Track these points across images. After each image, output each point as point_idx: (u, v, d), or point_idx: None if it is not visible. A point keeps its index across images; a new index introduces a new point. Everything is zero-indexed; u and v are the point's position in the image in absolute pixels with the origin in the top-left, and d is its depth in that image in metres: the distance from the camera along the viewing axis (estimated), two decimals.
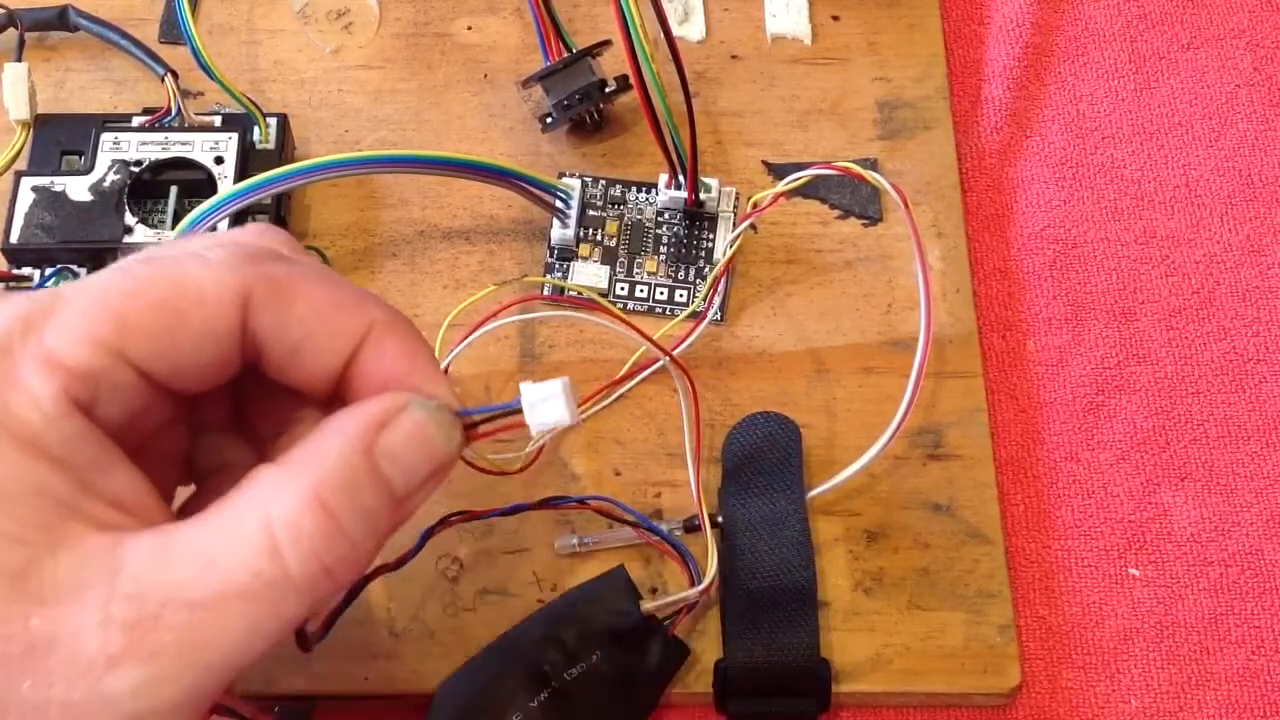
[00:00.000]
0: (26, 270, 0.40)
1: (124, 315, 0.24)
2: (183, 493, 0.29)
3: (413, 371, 0.27)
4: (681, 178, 0.42)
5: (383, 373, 0.27)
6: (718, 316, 0.42)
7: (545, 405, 0.27)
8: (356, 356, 0.27)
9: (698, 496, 0.38)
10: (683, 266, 0.43)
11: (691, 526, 0.38)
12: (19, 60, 0.43)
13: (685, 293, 0.43)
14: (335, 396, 0.27)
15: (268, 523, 0.24)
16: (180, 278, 0.25)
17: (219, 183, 0.41)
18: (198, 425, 0.29)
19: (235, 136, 0.42)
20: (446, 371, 0.39)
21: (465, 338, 0.40)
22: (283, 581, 0.24)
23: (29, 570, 0.23)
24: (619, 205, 0.44)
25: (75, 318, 0.24)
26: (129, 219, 0.40)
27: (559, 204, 0.42)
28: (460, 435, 0.27)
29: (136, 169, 0.41)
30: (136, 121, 0.43)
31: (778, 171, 0.45)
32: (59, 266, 0.40)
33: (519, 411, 0.27)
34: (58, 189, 0.41)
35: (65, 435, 0.24)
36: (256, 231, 0.29)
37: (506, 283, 0.43)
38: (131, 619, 0.23)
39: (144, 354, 0.25)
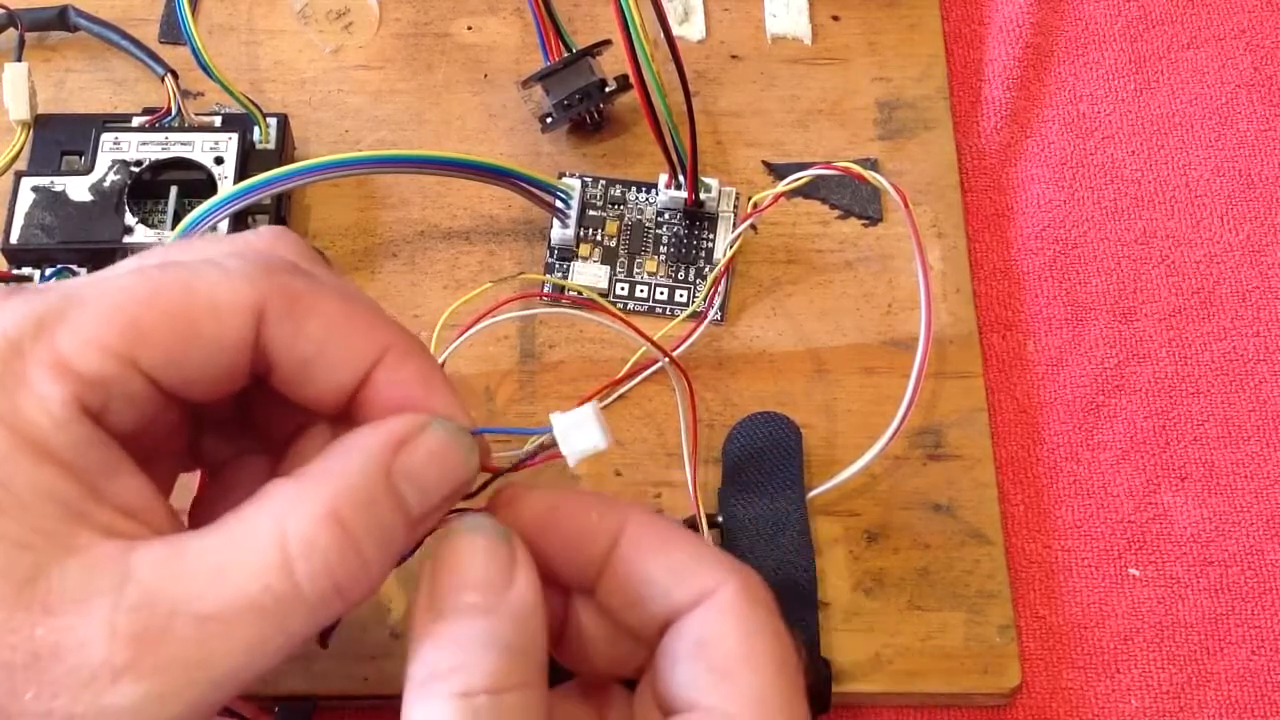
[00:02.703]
0: (26, 270, 0.40)
1: (137, 322, 0.24)
2: (182, 488, 0.29)
3: (430, 395, 0.27)
4: (681, 178, 0.42)
5: (398, 396, 0.26)
6: (718, 316, 0.42)
7: (579, 432, 0.27)
8: (370, 378, 0.26)
9: (695, 497, 0.38)
10: (683, 266, 0.43)
11: (691, 527, 0.38)
12: (19, 60, 0.43)
13: (685, 293, 0.43)
14: (344, 415, 0.27)
15: (282, 536, 0.24)
16: (195, 286, 0.25)
17: (219, 183, 0.41)
18: (204, 422, 0.29)
19: (235, 136, 0.42)
20: (443, 366, 0.39)
21: (460, 335, 0.40)
22: (293, 597, 0.23)
23: (36, 577, 0.23)
24: (619, 205, 0.44)
25: (88, 322, 0.24)
26: (129, 219, 0.40)
27: (559, 204, 0.42)
28: (478, 458, 0.27)
29: (136, 169, 0.41)
30: (136, 121, 0.43)
31: (778, 171, 0.45)
32: (59, 266, 0.40)
33: (553, 444, 0.27)
34: (58, 189, 0.41)
35: (74, 440, 0.23)
36: (272, 236, 0.29)
37: (503, 280, 0.43)
38: (138, 630, 0.23)
39: (155, 362, 0.24)
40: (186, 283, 0.25)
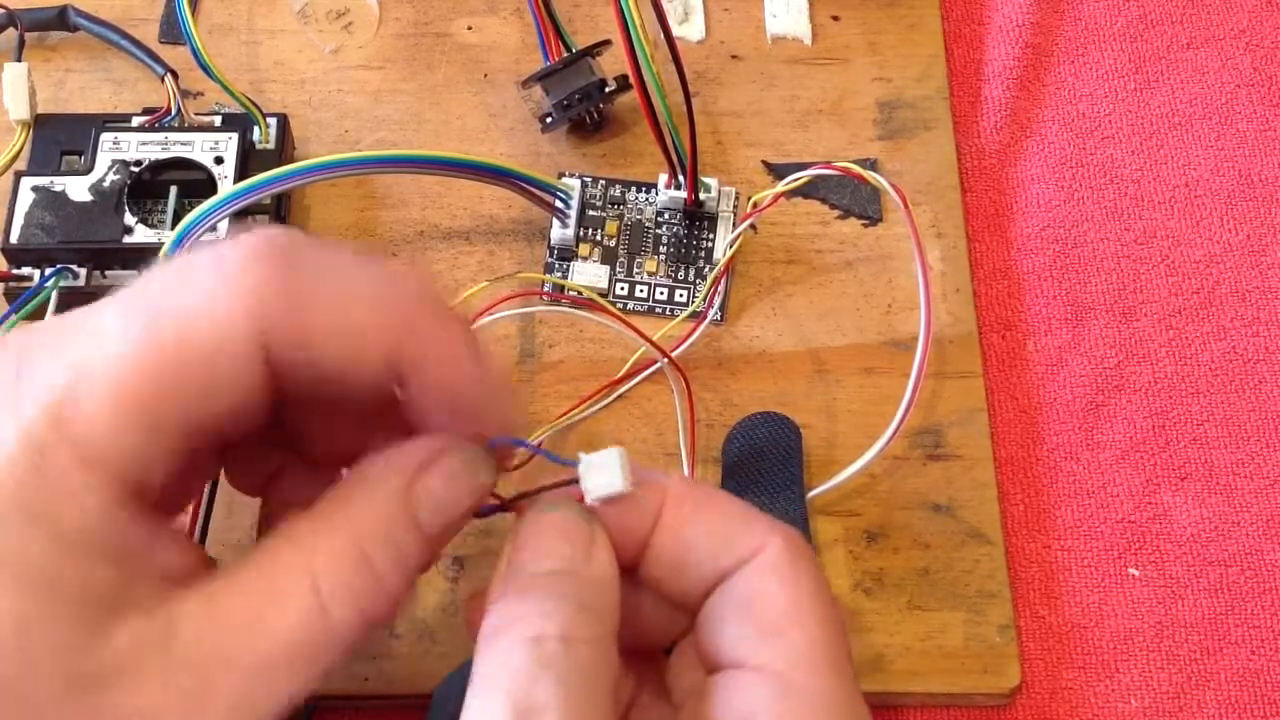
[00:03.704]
0: (26, 270, 0.40)
1: (150, 386, 0.23)
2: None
3: (461, 381, 0.26)
4: (681, 178, 0.42)
5: (427, 385, 0.26)
6: (718, 316, 0.42)
7: (600, 473, 0.27)
8: (398, 370, 0.25)
9: None
10: (683, 266, 0.43)
11: None
12: (19, 60, 0.43)
13: (685, 293, 0.43)
14: (382, 396, 0.26)
15: (314, 582, 0.24)
16: (189, 321, 0.24)
17: (219, 183, 0.41)
18: (238, 447, 0.29)
19: (235, 136, 0.42)
20: None
21: None
22: (327, 635, 0.24)
23: (85, 662, 0.23)
24: (619, 205, 0.44)
25: (105, 406, 0.23)
26: (129, 219, 0.40)
27: (559, 204, 0.42)
28: (493, 474, 0.27)
29: (136, 169, 0.41)
30: (136, 121, 0.43)
31: (778, 171, 0.45)
32: (59, 266, 0.40)
33: (575, 480, 0.28)
34: (58, 189, 0.41)
35: (114, 531, 0.23)
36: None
37: (500, 279, 0.43)
38: (188, 687, 0.23)
39: (178, 417, 0.24)
40: (182, 325, 0.24)
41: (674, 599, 0.28)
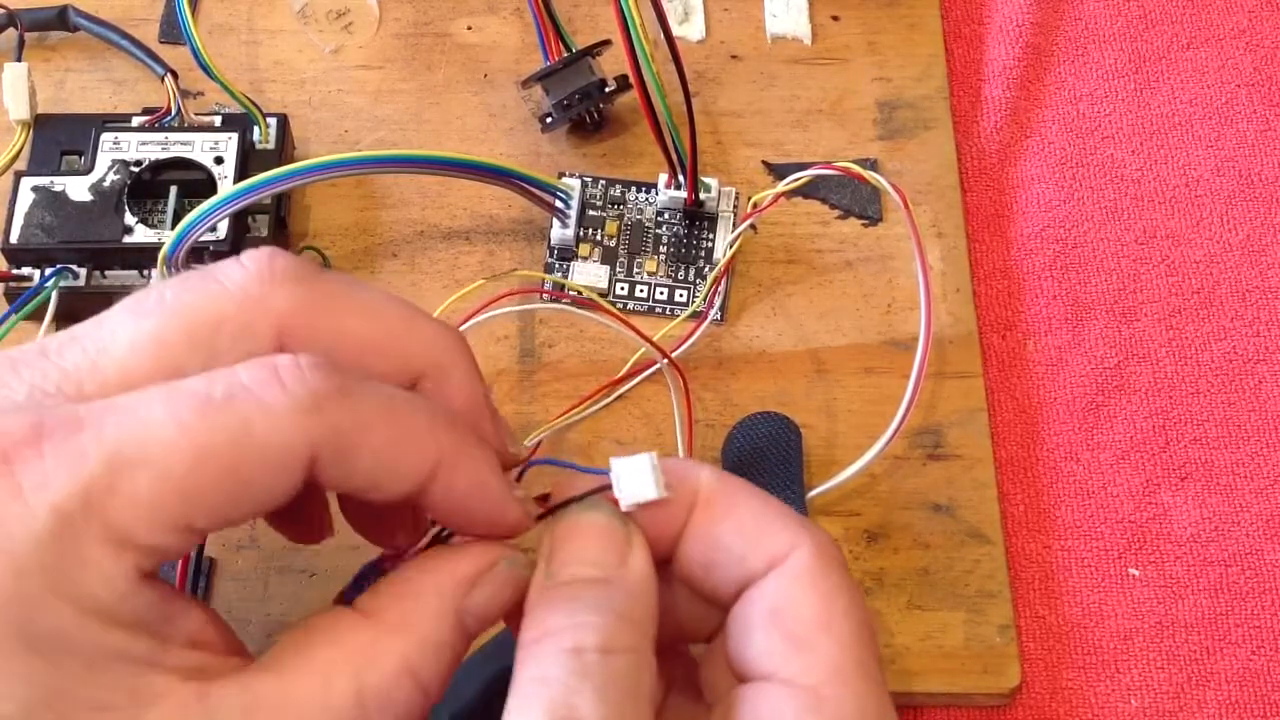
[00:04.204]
0: (26, 270, 0.40)
1: (191, 490, 0.23)
2: None
3: (485, 504, 0.27)
4: (681, 178, 0.42)
5: (452, 505, 0.26)
6: (718, 316, 0.42)
7: (632, 479, 0.27)
8: (426, 489, 0.26)
9: None
10: (683, 266, 0.43)
11: None
12: (19, 60, 0.43)
13: (685, 293, 0.43)
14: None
15: (360, 693, 0.24)
16: (245, 442, 0.23)
17: (219, 183, 0.41)
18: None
19: (235, 136, 0.42)
20: None
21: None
22: None
23: None
24: (619, 205, 0.44)
25: (142, 498, 0.23)
26: (129, 219, 0.40)
27: (559, 204, 0.42)
28: (530, 568, 0.27)
29: (136, 169, 0.41)
30: (136, 121, 0.43)
31: (778, 171, 0.45)
32: (59, 266, 0.40)
33: (608, 486, 0.28)
34: (58, 189, 0.41)
35: (139, 604, 0.23)
36: (270, 270, 0.27)
37: (497, 276, 0.42)
38: None
39: (210, 522, 0.24)
40: (235, 439, 0.23)
41: (706, 597, 0.28)
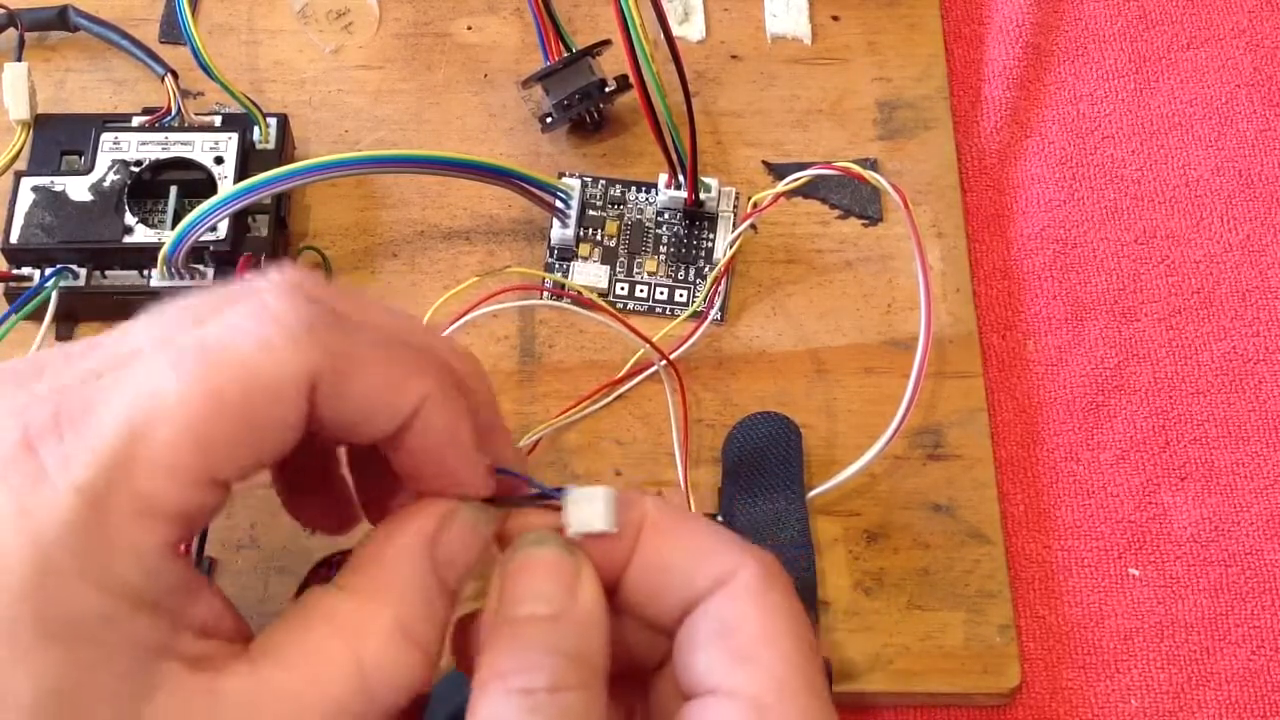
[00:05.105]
0: (26, 270, 0.40)
1: (209, 439, 0.23)
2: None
3: (455, 454, 0.27)
4: (681, 178, 0.42)
5: (427, 449, 0.27)
6: (718, 317, 0.42)
7: (586, 509, 0.27)
8: (406, 427, 0.26)
9: (687, 498, 0.39)
10: (683, 266, 0.43)
11: None
12: (19, 60, 0.43)
13: (685, 293, 0.43)
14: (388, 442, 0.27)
15: (360, 664, 0.25)
16: (248, 379, 0.24)
17: (219, 183, 0.41)
18: None
19: (235, 136, 0.42)
20: None
21: (451, 324, 0.39)
22: (371, 710, 0.25)
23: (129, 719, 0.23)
24: (619, 205, 0.44)
25: (163, 459, 0.23)
26: (129, 219, 0.40)
27: (559, 204, 0.42)
28: (494, 523, 0.28)
29: (136, 169, 0.41)
30: (136, 121, 0.43)
31: (778, 171, 0.45)
32: (59, 266, 0.40)
33: (558, 508, 0.28)
34: (58, 189, 0.41)
35: (165, 582, 0.24)
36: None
37: (492, 273, 0.42)
38: None
39: (231, 470, 0.24)
40: (240, 379, 0.24)
41: (652, 623, 0.28)
